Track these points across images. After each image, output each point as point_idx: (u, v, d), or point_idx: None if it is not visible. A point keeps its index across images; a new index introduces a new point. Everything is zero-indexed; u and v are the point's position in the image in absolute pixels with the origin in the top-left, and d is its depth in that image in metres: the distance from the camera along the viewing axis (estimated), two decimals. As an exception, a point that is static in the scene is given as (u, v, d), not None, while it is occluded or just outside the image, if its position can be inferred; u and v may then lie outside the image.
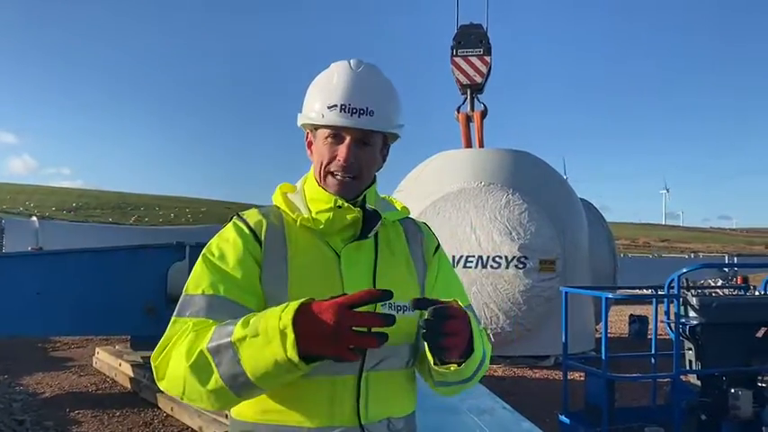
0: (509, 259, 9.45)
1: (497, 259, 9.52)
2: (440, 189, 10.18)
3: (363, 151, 1.56)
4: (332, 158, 1.55)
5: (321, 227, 1.55)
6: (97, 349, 9.08)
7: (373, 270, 1.56)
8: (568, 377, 5.83)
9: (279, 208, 1.62)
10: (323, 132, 1.57)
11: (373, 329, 1.26)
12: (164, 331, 1.46)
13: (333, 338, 1.22)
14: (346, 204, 1.55)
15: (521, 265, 9.41)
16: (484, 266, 9.52)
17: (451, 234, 9.62)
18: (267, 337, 1.27)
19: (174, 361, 1.39)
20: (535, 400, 7.44)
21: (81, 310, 7.31)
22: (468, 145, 12.60)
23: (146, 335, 7.60)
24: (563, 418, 5.46)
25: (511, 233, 9.57)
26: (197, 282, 1.50)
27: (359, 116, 1.53)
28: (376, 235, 1.59)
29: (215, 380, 1.33)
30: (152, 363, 1.45)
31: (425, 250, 1.70)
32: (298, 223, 1.56)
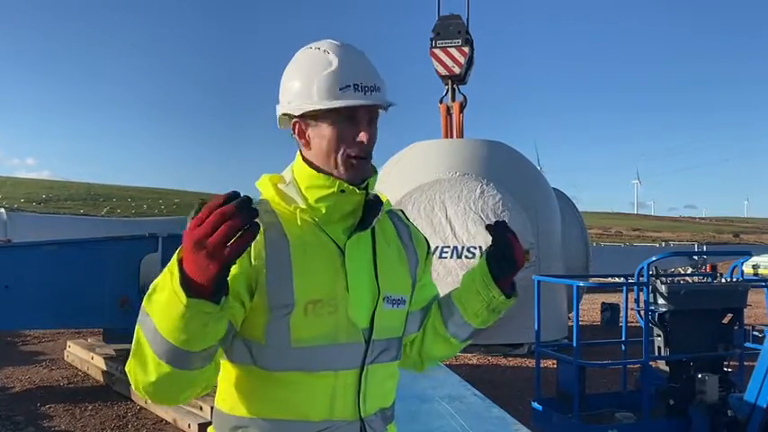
0: (483, 249, 9.50)
1: (472, 249, 9.58)
2: (415, 179, 10.19)
3: (373, 130, 1.51)
4: (351, 142, 1.47)
5: (321, 215, 1.48)
6: (69, 342, 8.94)
7: (374, 262, 1.53)
8: (541, 364, 5.91)
9: (271, 201, 1.51)
10: (331, 117, 1.46)
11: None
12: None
13: (204, 255, 1.11)
14: (351, 188, 1.48)
15: (495, 255, 9.49)
16: (459, 257, 9.59)
17: (427, 224, 9.67)
18: (162, 286, 1.18)
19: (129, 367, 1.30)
20: (509, 387, 7.54)
21: (52, 303, 7.19)
22: (448, 136, 12.60)
23: (119, 327, 7.52)
24: (536, 404, 5.54)
25: (485, 223, 9.63)
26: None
27: (371, 93, 1.47)
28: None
29: (152, 361, 1.22)
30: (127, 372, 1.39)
31: (416, 243, 1.71)
32: (297, 217, 1.47)
